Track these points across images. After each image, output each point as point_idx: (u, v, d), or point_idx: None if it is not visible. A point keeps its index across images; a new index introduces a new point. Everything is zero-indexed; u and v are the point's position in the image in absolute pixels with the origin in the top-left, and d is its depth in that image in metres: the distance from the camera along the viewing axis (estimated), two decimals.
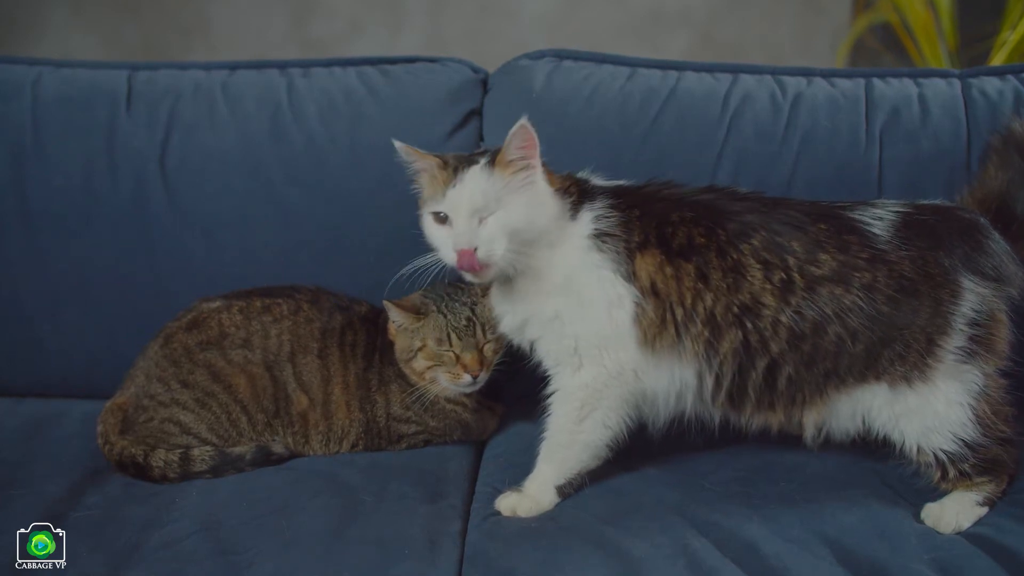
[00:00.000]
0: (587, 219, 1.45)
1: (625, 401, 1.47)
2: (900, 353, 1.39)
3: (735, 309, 1.39)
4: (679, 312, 1.40)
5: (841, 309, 1.38)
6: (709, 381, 1.43)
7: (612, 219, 1.44)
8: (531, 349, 1.53)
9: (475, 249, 1.38)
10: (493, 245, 1.39)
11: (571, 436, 1.47)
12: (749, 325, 1.39)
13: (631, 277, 1.42)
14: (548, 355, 1.50)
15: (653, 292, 1.41)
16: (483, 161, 1.43)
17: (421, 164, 1.48)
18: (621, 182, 1.54)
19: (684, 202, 1.46)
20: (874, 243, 1.41)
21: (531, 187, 1.42)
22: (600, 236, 1.43)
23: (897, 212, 1.44)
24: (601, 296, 1.42)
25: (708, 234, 1.41)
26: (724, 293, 1.39)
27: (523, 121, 1.39)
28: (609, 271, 1.42)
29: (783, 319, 1.38)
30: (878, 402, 1.43)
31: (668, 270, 1.41)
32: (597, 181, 1.53)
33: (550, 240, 1.43)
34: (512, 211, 1.40)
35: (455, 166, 1.43)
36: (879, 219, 1.43)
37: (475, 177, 1.40)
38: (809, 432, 1.49)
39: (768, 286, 1.38)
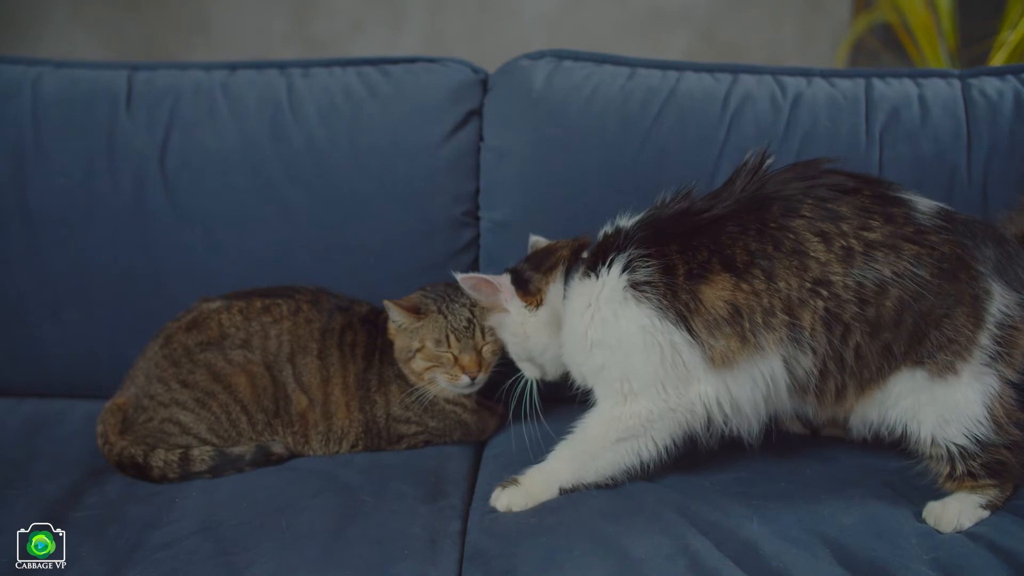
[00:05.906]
0: (616, 272, 1.43)
1: (673, 432, 1.46)
2: (949, 337, 1.38)
3: (808, 285, 1.37)
4: (759, 317, 1.38)
5: (898, 273, 1.36)
6: (806, 361, 1.39)
7: (649, 267, 1.41)
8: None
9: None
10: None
11: (600, 450, 1.46)
12: (825, 293, 1.37)
13: (685, 317, 1.39)
14: (596, 388, 1.50)
15: (734, 313, 1.38)
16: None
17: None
18: (642, 215, 1.50)
19: (723, 217, 1.42)
20: (918, 221, 1.39)
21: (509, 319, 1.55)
22: (637, 286, 1.41)
23: (935, 204, 1.43)
24: (650, 343, 1.40)
25: (760, 235, 1.39)
26: (794, 276, 1.37)
27: (459, 277, 1.52)
28: (656, 319, 1.40)
29: (850, 282, 1.36)
30: (908, 387, 1.41)
31: (745, 287, 1.38)
32: (622, 222, 1.50)
33: (560, 324, 1.52)
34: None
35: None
36: (919, 200, 1.42)
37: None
38: (857, 422, 1.47)
39: (831, 255, 1.37)
